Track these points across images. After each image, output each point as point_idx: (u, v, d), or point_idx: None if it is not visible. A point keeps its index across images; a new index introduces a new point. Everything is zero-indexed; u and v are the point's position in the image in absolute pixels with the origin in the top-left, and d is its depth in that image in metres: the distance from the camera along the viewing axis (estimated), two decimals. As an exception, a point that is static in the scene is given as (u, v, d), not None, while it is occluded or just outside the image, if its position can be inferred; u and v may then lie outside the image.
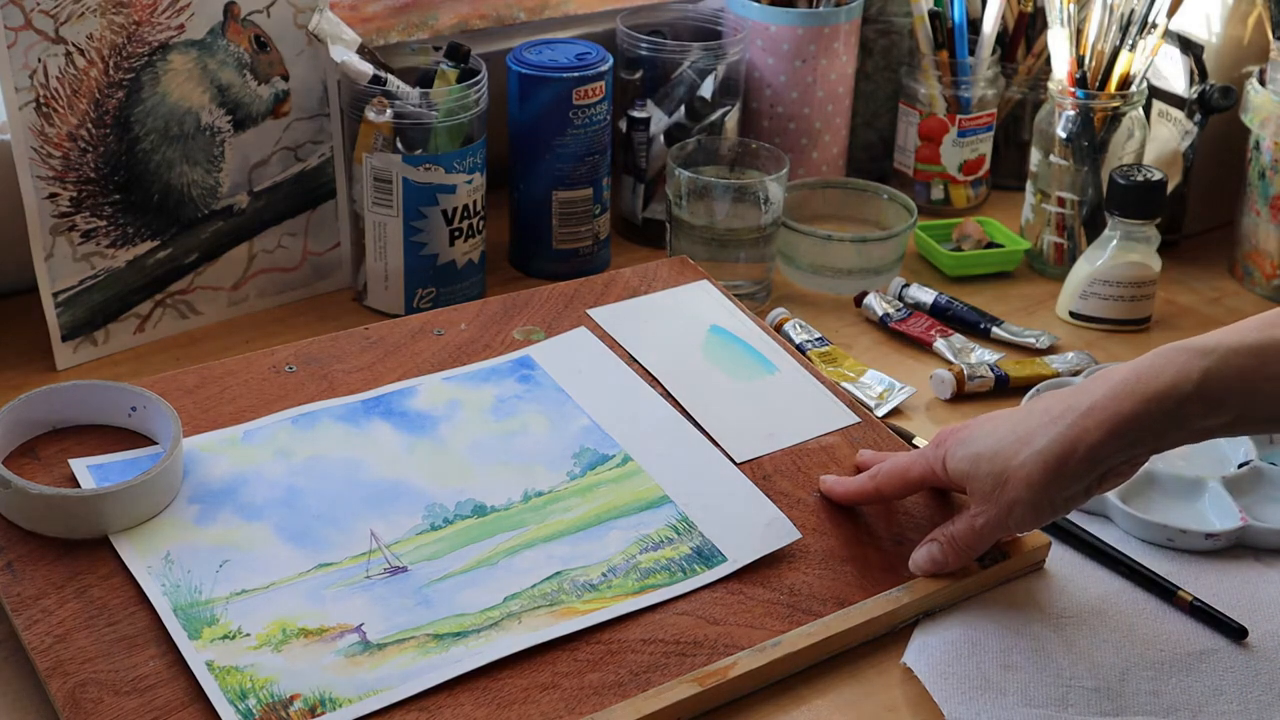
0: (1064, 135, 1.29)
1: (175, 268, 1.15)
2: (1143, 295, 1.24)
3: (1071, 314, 1.26)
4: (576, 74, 1.21)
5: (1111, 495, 0.99)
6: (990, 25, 1.37)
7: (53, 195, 1.07)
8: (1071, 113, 1.28)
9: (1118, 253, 1.23)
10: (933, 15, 1.37)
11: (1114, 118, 1.28)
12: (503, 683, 0.82)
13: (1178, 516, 1.00)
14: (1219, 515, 1.00)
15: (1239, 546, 0.99)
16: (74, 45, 1.04)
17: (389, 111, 1.13)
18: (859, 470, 0.98)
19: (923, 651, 0.87)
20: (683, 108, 1.30)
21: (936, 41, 1.37)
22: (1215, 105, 1.31)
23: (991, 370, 1.15)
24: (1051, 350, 1.21)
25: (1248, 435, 1.04)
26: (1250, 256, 1.31)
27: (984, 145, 1.41)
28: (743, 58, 1.33)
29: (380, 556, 0.88)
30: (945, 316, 1.23)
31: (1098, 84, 1.28)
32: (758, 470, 0.98)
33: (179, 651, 0.80)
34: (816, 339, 1.18)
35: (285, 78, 1.16)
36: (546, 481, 0.95)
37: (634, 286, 1.14)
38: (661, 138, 1.30)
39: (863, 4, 1.36)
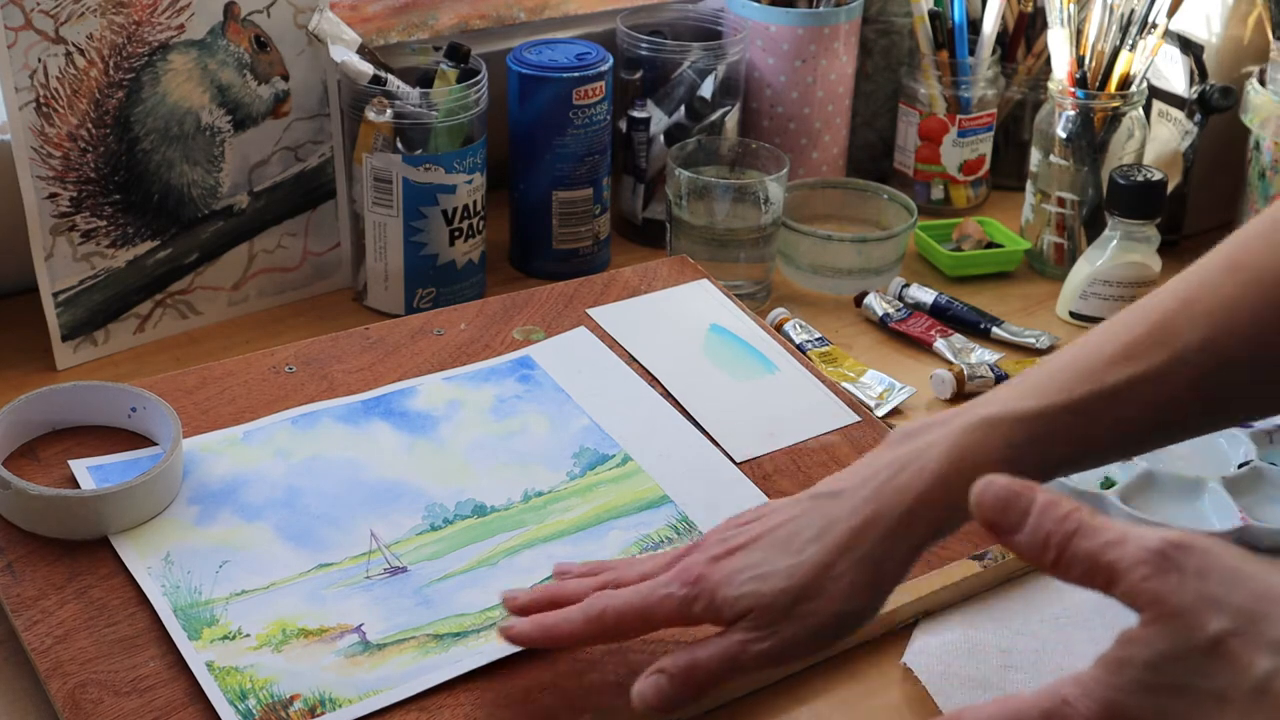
0: (1064, 135, 1.29)
1: (175, 268, 1.15)
2: (1143, 295, 1.23)
3: (1071, 314, 1.26)
4: (576, 74, 1.21)
5: (1111, 495, 0.99)
6: (990, 25, 1.37)
7: (53, 195, 1.07)
8: (1071, 113, 1.28)
9: (1118, 253, 1.23)
10: (933, 15, 1.37)
11: (1114, 118, 1.28)
12: (503, 683, 0.82)
13: (1178, 516, 1.00)
14: (1219, 515, 1.00)
15: (1239, 546, 0.98)
16: (74, 45, 1.05)
17: (389, 111, 1.13)
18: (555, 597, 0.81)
19: (923, 651, 0.87)
20: (683, 108, 1.30)
21: (936, 41, 1.38)
22: (1215, 105, 1.31)
23: (991, 370, 1.15)
24: (1052, 350, 1.21)
25: None
26: (1250, 256, 1.31)
27: (984, 145, 1.41)
28: (743, 58, 1.33)
29: (380, 557, 0.88)
30: (945, 316, 1.23)
31: (1098, 84, 1.28)
32: (758, 470, 0.98)
33: (179, 652, 0.81)
34: (816, 339, 1.18)
35: (285, 78, 1.16)
36: (546, 481, 0.95)
37: (634, 286, 1.14)
38: (661, 138, 1.30)
39: (863, 4, 1.36)
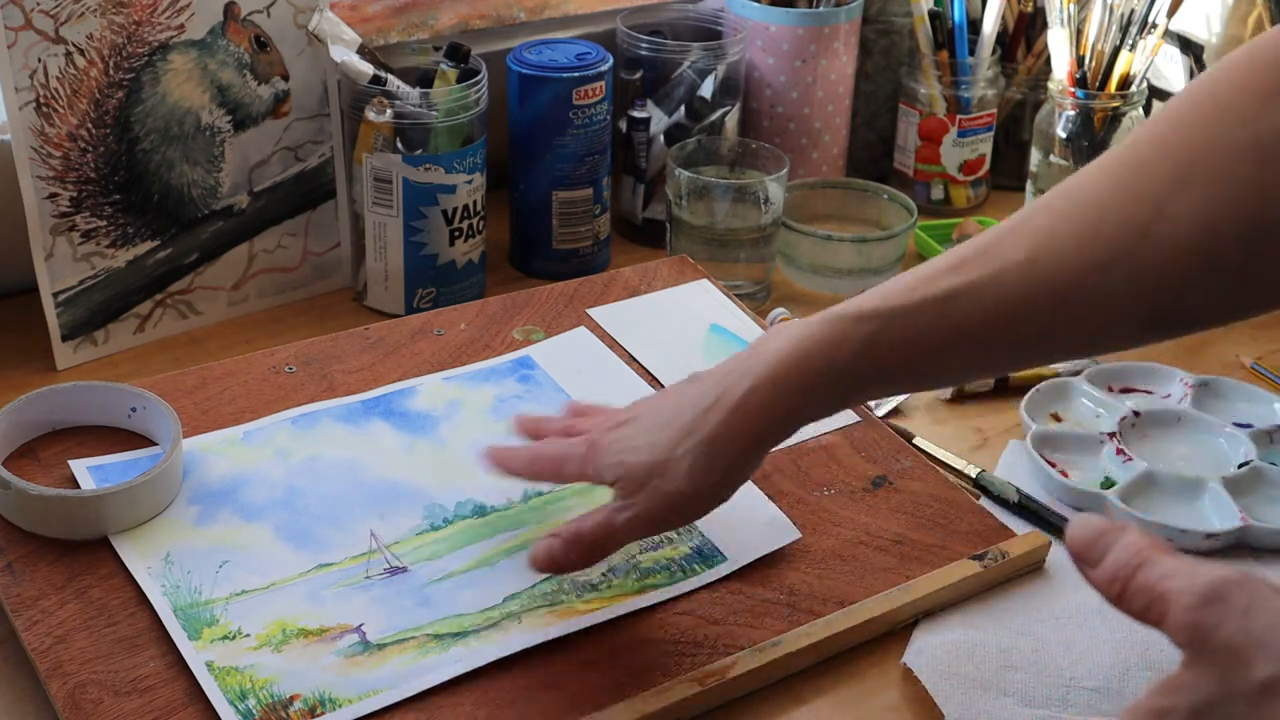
0: (1064, 135, 1.29)
1: (175, 268, 1.15)
2: (1143, 295, 1.24)
3: (1071, 314, 1.25)
4: (576, 74, 1.21)
5: (1111, 495, 0.99)
6: (990, 25, 1.37)
7: (53, 195, 1.07)
8: (1071, 113, 1.28)
9: (1118, 253, 1.23)
10: (933, 15, 1.37)
11: (1114, 118, 1.28)
12: (503, 683, 0.82)
13: (1177, 516, 1.00)
14: (1219, 515, 1.00)
15: (1239, 546, 0.99)
16: (74, 45, 1.05)
17: (389, 111, 1.13)
18: (524, 433, 0.92)
19: (923, 651, 0.87)
20: (683, 108, 1.30)
21: (936, 41, 1.38)
22: (1215, 105, 1.31)
23: (991, 370, 1.15)
24: (1051, 350, 1.20)
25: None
26: (1250, 256, 1.31)
27: (984, 145, 1.41)
28: (743, 58, 1.33)
29: (380, 557, 0.88)
30: (945, 316, 1.23)
31: (1098, 84, 1.28)
32: (757, 470, 0.98)
33: (179, 652, 0.80)
34: (816, 339, 1.18)
35: (285, 78, 1.16)
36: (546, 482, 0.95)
37: (634, 286, 1.14)
38: (661, 138, 1.30)
39: (863, 4, 1.36)
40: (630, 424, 0.84)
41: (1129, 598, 0.62)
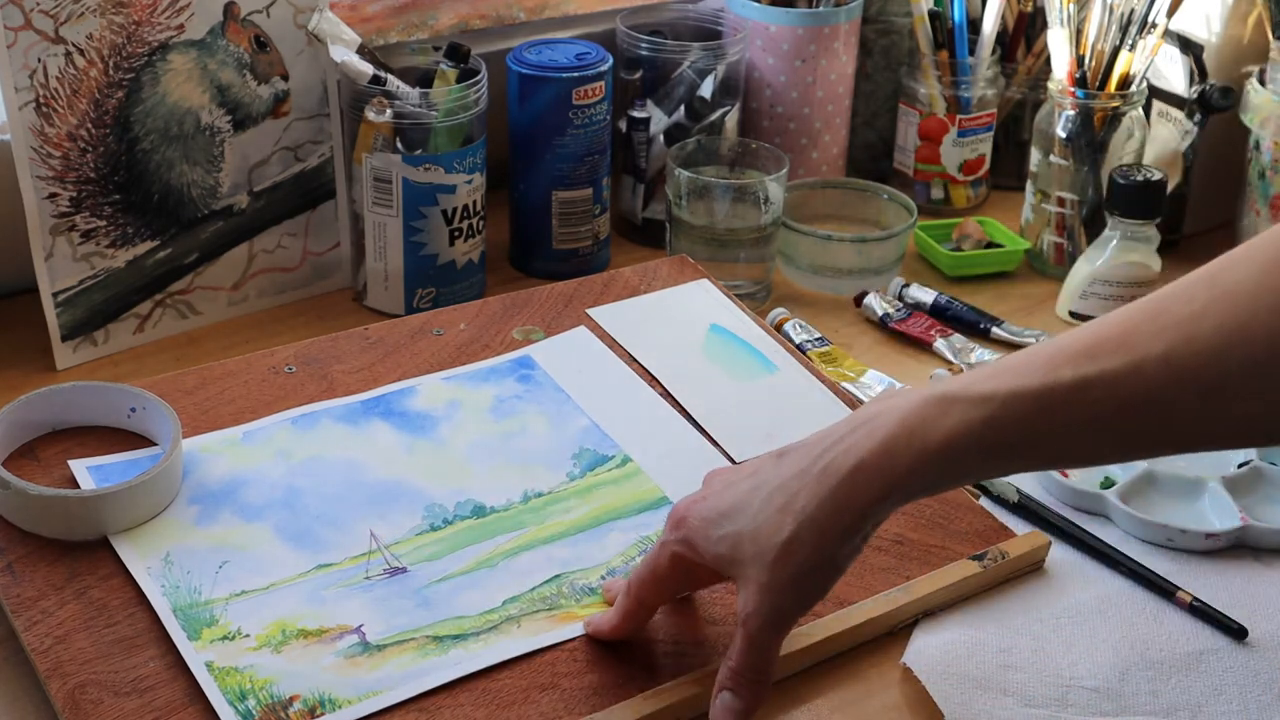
0: (1064, 135, 1.29)
1: (175, 268, 1.15)
2: (1143, 295, 1.23)
3: (1071, 314, 1.25)
4: (576, 74, 1.21)
5: (1111, 495, 0.99)
6: (990, 25, 1.37)
7: (52, 195, 1.07)
8: (1071, 113, 1.28)
9: (1118, 253, 1.23)
10: (933, 15, 1.37)
11: (1114, 118, 1.28)
12: (502, 683, 0.82)
13: (1178, 516, 1.00)
14: (1219, 515, 1.00)
15: (1239, 546, 0.99)
16: (74, 45, 1.04)
17: (389, 111, 1.13)
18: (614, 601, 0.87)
19: (923, 651, 0.87)
20: (683, 108, 1.30)
21: (936, 41, 1.37)
22: (1215, 105, 1.31)
23: (991, 370, 1.15)
24: (1051, 350, 1.20)
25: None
26: (1250, 256, 1.31)
27: (984, 145, 1.41)
28: (743, 58, 1.33)
29: (380, 557, 0.88)
30: (945, 316, 1.23)
31: (1098, 84, 1.28)
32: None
33: (179, 652, 0.80)
34: (816, 339, 1.18)
35: (285, 78, 1.16)
36: (546, 482, 0.95)
37: (634, 286, 1.14)
38: (661, 138, 1.30)
39: (863, 4, 1.36)
40: (715, 500, 0.80)
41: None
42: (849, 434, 0.76)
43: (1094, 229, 1.28)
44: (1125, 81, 1.27)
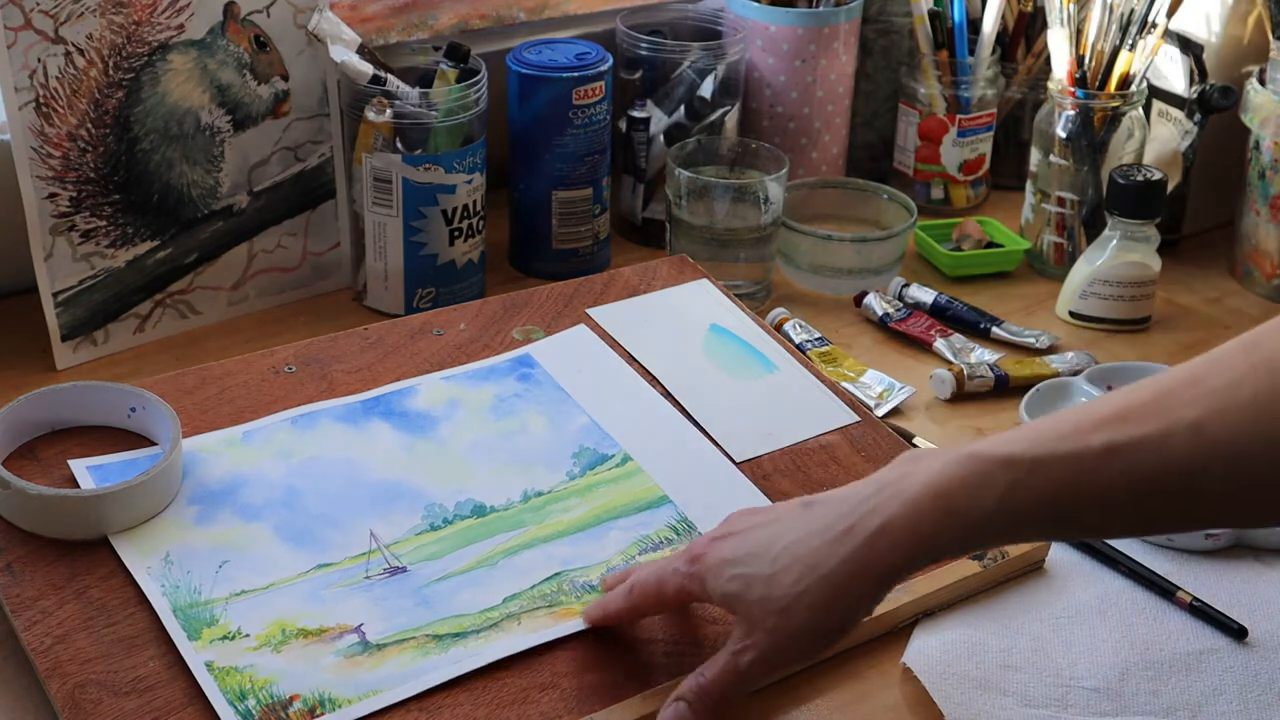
0: (1064, 135, 1.29)
1: (175, 268, 1.15)
2: (1143, 295, 1.24)
3: (1071, 314, 1.25)
4: (576, 74, 1.21)
5: (1111, 495, 0.99)
6: (990, 25, 1.37)
7: (52, 195, 1.07)
8: (1071, 113, 1.28)
9: (1118, 253, 1.23)
10: (933, 15, 1.37)
11: (1114, 118, 1.28)
12: (502, 683, 0.82)
13: (1177, 516, 1.00)
14: (1219, 515, 1.00)
15: (1238, 546, 0.99)
16: (74, 45, 1.04)
17: (389, 111, 1.13)
18: (613, 589, 0.87)
19: (923, 651, 0.87)
20: (682, 108, 1.30)
21: (936, 41, 1.37)
22: (1215, 105, 1.31)
23: (991, 370, 1.15)
24: (1051, 350, 1.21)
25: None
26: (1250, 256, 1.31)
27: (984, 145, 1.41)
28: (743, 58, 1.33)
29: (380, 557, 0.88)
30: (945, 316, 1.23)
31: (1098, 84, 1.28)
32: (757, 470, 0.98)
33: (178, 652, 0.80)
34: (816, 339, 1.18)
35: (285, 78, 1.16)
36: (546, 481, 0.95)
37: (634, 286, 1.14)
38: (661, 138, 1.30)
39: (863, 4, 1.36)
40: (735, 542, 0.80)
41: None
42: (875, 494, 0.75)
43: (1094, 229, 1.28)
44: (1125, 81, 1.27)
